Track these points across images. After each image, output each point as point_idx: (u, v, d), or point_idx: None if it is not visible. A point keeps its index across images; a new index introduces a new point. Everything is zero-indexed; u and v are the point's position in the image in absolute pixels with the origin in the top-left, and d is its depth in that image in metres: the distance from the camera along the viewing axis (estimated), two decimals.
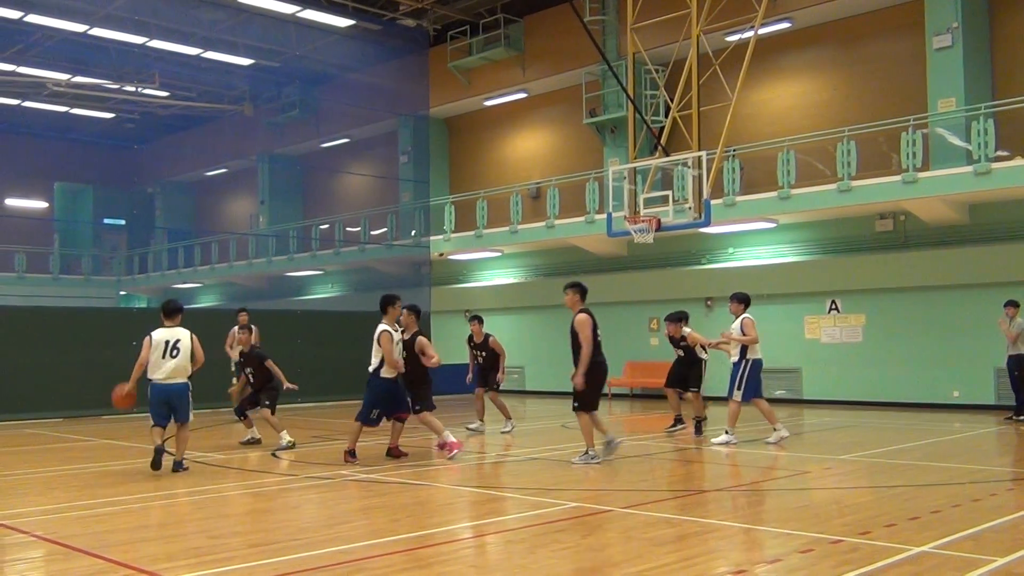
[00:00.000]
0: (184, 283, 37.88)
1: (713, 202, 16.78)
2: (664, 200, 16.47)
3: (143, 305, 38.40)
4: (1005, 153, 17.71)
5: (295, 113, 33.32)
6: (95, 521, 7.82)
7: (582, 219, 23.63)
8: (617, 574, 5.67)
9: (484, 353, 14.99)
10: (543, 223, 24.64)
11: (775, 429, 12.84)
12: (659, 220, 16.22)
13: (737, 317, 12.92)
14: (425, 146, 30.55)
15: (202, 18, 27.40)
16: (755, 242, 22.14)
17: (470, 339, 15.18)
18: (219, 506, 8.60)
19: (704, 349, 14.38)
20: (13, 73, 30.80)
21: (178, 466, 10.20)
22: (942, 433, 14.39)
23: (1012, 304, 15.97)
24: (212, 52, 29.44)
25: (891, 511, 7.63)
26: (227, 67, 30.95)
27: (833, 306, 20.76)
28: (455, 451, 11.19)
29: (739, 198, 20.77)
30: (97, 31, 27.37)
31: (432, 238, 27.71)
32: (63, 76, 31.30)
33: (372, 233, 30.74)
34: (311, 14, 26.15)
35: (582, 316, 10.20)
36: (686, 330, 14.39)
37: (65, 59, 30.21)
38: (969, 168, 17.79)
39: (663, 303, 23.59)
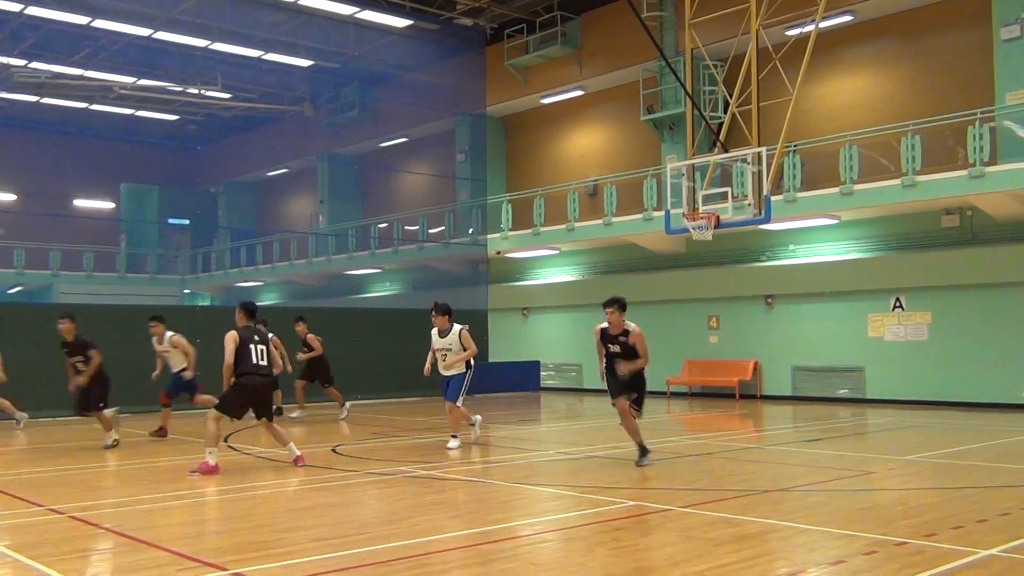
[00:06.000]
0: (246, 281, 38.53)
1: (773, 198, 16.55)
2: (723, 197, 16.28)
3: (207, 303, 39.17)
4: None
5: (354, 113, 33.68)
6: (162, 514, 8.00)
7: (640, 216, 23.53)
8: (676, 574, 5.64)
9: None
10: (600, 221, 24.58)
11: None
12: (718, 217, 16.04)
13: (446, 329, 12.20)
14: (482, 145, 30.66)
15: (263, 20, 27.83)
16: (817, 239, 21.83)
17: None
18: (282, 501, 8.73)
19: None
20: (81, 77, 31.60)
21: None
22: (1010, 434, 14.04)
23: None
24: (272, 54, 29.91)
25: (958, 513, 7.48)
26: (287, 68, 31.40)
27: (897, 304, 20.37)
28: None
29: (800, 194, 20.50)
30: (161, 35, 27.98)
31: (489, 236, 27.80)
32: (129, 79, 32.03)
33: (430, 231, 30.95)
34: (369, 15, 26.41)
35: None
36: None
37: (131, 63, 30.91)
38: None
39: (722, 301, 23.45)
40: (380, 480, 9.72)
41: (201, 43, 28.81)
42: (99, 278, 36.43)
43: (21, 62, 30.10)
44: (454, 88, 30.77)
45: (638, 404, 10.44)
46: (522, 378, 25.44)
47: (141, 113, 36.39)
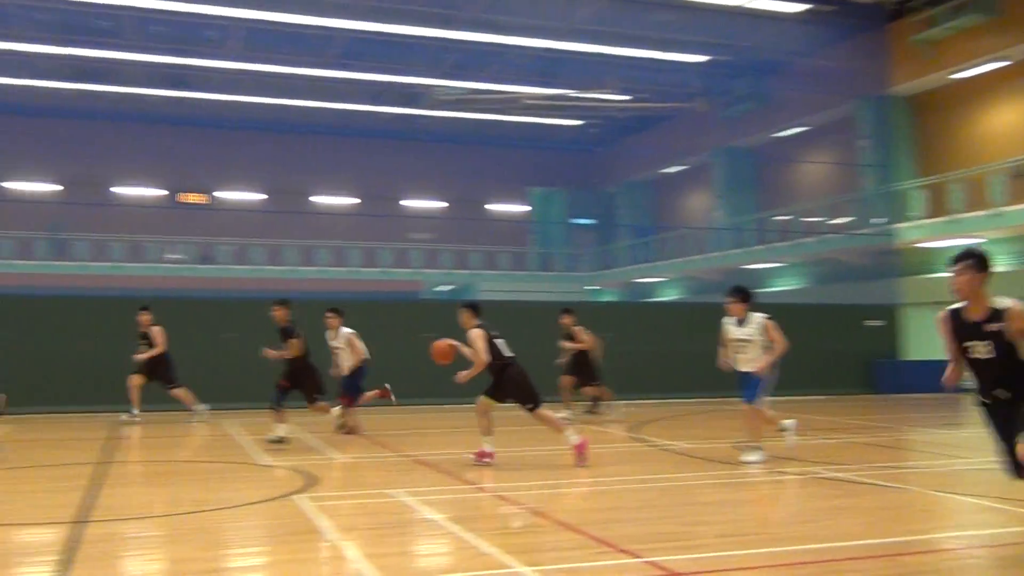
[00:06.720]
0: (646, 277, 39.57)
1: None
2: None
3: (611, 299, 40.81)
4: None
5: (748, 105, 33.21)
6: (578, 499, 8.49)
7: None
8: None
9: None
10: None
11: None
12: None
13: (744, 318, 10.66)
14: (887, 128, 28.82)
15: (655, 20, 28.41)
16: None
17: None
18: (687, 494, 8.85)
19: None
20: (492, 91, 34.40)
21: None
22: None
23: None
24: (666, 52, 30.41)
25: None
26: (680, 66, 31.77)
27: None
28: None
29: None
30: (562, 44, 29.65)
31: (898, 226, 26.05)
32: (534, 89, 34.30)
33: (831, 223, 29.67)
34: (763, 3, 25.92)
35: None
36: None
37: (535, 73, 33.10)
38: None
39: None
40: (786, 479, 9.51)
41: (598, 49, 30.05)
42: (514, 276, 39.49)
43: (441, 82, 33.45)
44: (853, 70, 29.19)
45: None
46: (941, 378, 23.49)
47: (546, 120, 38.85)
